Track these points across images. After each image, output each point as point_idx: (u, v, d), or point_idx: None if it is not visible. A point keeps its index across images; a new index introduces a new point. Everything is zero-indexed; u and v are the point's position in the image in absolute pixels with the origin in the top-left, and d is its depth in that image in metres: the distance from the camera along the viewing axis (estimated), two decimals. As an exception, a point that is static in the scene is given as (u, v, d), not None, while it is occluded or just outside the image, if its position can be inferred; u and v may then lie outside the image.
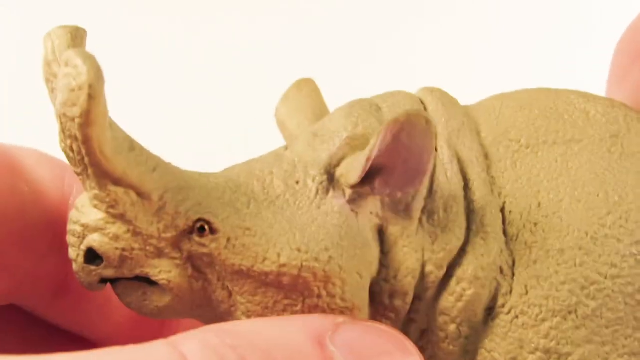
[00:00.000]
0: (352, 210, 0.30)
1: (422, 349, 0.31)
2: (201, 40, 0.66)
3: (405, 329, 0.31)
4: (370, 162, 0.29)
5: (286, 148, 0.32)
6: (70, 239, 0.29)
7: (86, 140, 0.27)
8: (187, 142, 0.33)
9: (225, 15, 0.66)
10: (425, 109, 0.33)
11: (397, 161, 0.30)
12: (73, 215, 0.29)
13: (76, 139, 0.27)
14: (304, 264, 0.28)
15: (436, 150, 0.32)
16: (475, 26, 0.63)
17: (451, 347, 0.31)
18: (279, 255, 0.28)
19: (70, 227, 0.29)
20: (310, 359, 0.26)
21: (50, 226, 0.33)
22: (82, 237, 0.29)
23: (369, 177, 0.30)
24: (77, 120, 0.26)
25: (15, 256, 0.32)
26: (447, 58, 0.35)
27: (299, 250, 0.29)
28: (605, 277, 0.30)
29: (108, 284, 0.30)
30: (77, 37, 0.29)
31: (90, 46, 0.29)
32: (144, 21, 0.67)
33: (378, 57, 0.36)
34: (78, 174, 0.29)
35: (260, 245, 0.29)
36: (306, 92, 0.36)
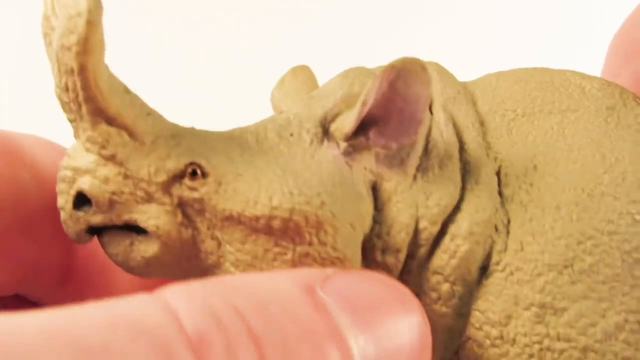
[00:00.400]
0: (346, 164, 0.30)
1: None
2: (200, 39, 0.66)
3: None
4: (366, 107, 0.29)
5: (282, 112, 0.32)
6: (59, 186, 0.29)
7: (82, 70, 0.27)
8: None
9: (224, 14, 0.67)
10: None
11: (392, 110, 0.29)
12: (63, 162, 0.29)
13: (72, 72, 0.27)
14: (296, 206, 0.28)
15: (431, 112, 0.32)
16: (475, 25, 0.64)
17: (444, 309, 0.30)
18: (270, 198, 0.28)
19: (60, 173, 0.29)
20: (302, 308, 0.25)
21: (52, 213, 0.32)
22: (72, 181, 0.29)
23: (363, 128, 0.30)
24: (74, 49, 0.26)
25: (18, 245, 0.32)
26: (446, 57, 0.35)
27: (291, 193, 0.28)
28: (602, 233, 0.29)
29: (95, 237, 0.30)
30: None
31: None
32: (142, 20, 0.67)
33: (378, 56, 0.36)
34: (71, 121, 0.29)
35: (252, 190, 0.28)
36: (302, 78, 0.37)
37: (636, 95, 0.33)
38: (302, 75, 0.37)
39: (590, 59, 0.43)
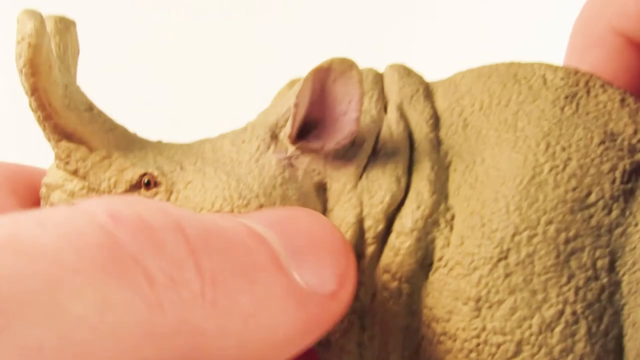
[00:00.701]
0: (293, 166, 0.31)
1: (373, 313, 0.31)
2: (196, 40, 0.67)
3: (355, 293, 0.31)
4: (299, 109, 0.30)
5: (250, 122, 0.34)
6: (41, 201, 0.32)
7: (33, 91, 0.29)
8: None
9: (220, 14, 0.68)
10: (382, 81, 0.33)
11: (326, 111, 0.30)
12: (43, 179, 0.32)
13: (29, 93, 0.29)
14: (235, 209, 0.29)
15: (386, 112, 0.32)
16: (469, 23, 0.62)
17: (395, 307, 0.30)
18: (213, 203, 0.29)
19: (40, 190, 0.32)
20: (236, 232, 0.26)
21: None
22: (47, 197, 0.31)
23: (306, 132, 0.31)
24: (23, 70, 0.29)
25: None
26: (444, 55, 0.35)
27: (231, 197, 0.29)
28: (539, 223, 0.28)
29: None
30: (61, 23, 0.32)
31: (87, 42, 0.32)
32: (139, 17, 0.69)
33: (374, 56, 0.37)
34: (47, 140, 0.31)
35: (198, 195, 0.30)
36: None
37: (606, 82, 0.32)
38: None
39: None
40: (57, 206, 0.24)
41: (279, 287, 0.26)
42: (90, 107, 0.31)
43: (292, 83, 0.38)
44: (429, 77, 0.34)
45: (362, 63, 0.35)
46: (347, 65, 0.29)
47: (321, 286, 0.27)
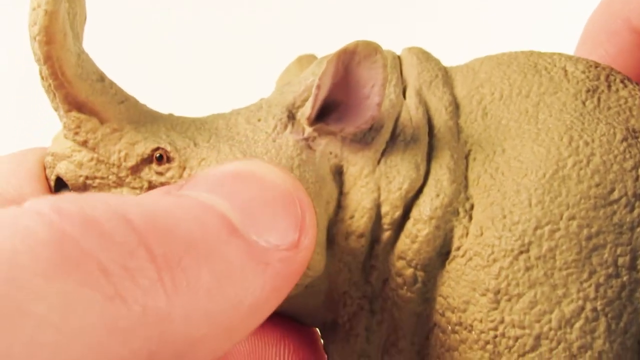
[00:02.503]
0: (310, 148, 0.30)
1: (384, 300, 0.31)
2: (199, 31, 0.66)
3: (366, 277, 0.31)
4: (321, 91, 0.29)
5: (263, 98, 0.33)
6: (46, 170, 0.31)
7: (47, 59, 0.28)
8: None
9: (223, 5, 0.67)
10: (400, 64, 0.33)
11: (349, 94, 0.30)
12: (48, 147, 0.31)
13: (41, 61, 0.28)
14: None
15: (405, 97, 0.32)
16: (476, 12, 0.62)
17: (409, 294, 0.30)
18: None
19: (45, 159, 0.31)
20: (181, 207, 0.25)
21: None
22: (53, 166, 0.30)
23: (327, 113, 0.30)
24: (37, 38, 0.28)
25: None
26: (443, 55, 0.35)
27: None
28: (561, 218, 0.28)
29: None
30: None
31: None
32: (136, 11, 0.68)
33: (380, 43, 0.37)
34: (54, 109, 0.30)
35: None
36: (306, 66, 0.37)
37: (627, 77, 0.32)
38: (307, 63, 0.37)
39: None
40: (3, 209, 0.23)
41: (238, 253, 0.25)
42: (102, 78, 0.30)
43: (299, 59, 0.38)
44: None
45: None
46: (372, 49, 0.29)
47: (281, 239, 0.26)
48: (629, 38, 0.34)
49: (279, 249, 0.25)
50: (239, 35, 0.67)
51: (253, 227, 0.25)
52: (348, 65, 0.29)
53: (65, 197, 0.23)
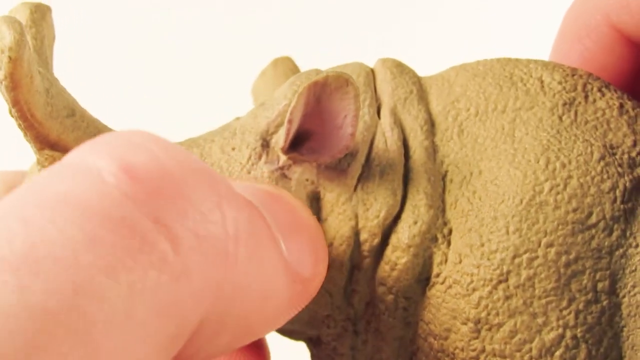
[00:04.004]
0: (286, 177, 0.30)
1: (367, 322, 0.31)
2: (187, 33, 0.66)
3: (349, 301, 0.31)
4: (292, 124, 0.29)
5: (238, 119, 0.32)
6: None
7: (15, 104, 0.28)
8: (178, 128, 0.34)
9: (212, 7, 0.67)
10: (374, 79, 0.32)
11: (321, 125, 0.29)
12: (25, 178, 0.30)
13: (9, 104, 0.28)
14: None
15: (379, 117, 0.31)
16: (473, 21, 0.62)
17: (391, 320, 0.30)
18: None
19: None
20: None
21: None
22: None
23: (300, 142, 0.30)
24: (3, 83, 0.27)
25: None
26: (444, 54, 0.34)
27: None
28: (539, 246, 0.28)
29: None
30: (37, 11, 0.30)
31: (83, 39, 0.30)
32: (133, 12, 0.67)
33: (369, 48, 0.36)
34: (28, 142, 0.30)
35: None
36: (282, 69, 0.36)
37: (605, 84, 0.32)
38: (283, 66, 0.37)
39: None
40: (56, 167, 0.21)
41: (276, 258, 0.25)
42: (73, 112, 0.29)
43: (275, 63, 0.37)
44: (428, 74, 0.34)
45: (363, 61, 0.34)
46: (342, 80, 0.28)
47: (303, 267, 0.26)
48: (608, 34, 0.34)
49: (300, 274, 0.26)
50: (236, 35, 0.66)
51: (285, 244, 0.26)
52: (319, 97, 0.29)
53: (135, 140, 0.22)
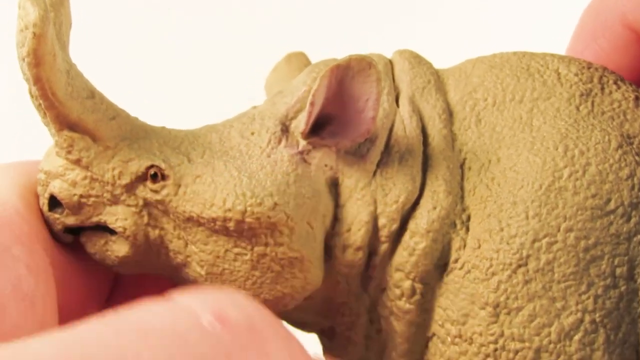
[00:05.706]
0: (305, 161, 0.30)
1: (382, 307, 0.31)
2: (193, 31, 0.66)
3: (364, 286, 0.31)
4: (314, 107, 0.29)
5: (255, 107, 0.33)
6: (38, 188, 0.30)
7: (37, 81, 0.28)
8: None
9: (217, 5, 0.67)
10: (392, 69, 0.33)
11: (342, 108, 0.29)
12: (40, 164, 0.30)
13: (30, 82, 0.28)
14: (248, 208, 0.28)
15: (397, 105, 0.32)
16: (472, 13, 0.62)
17: (407, 305, 0.30)
18: (224, 200, 0.29)
19: (37, 176, 0.30)
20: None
21: None
22: (46, 184, 0.30)
23: (321, 126, 0.30)
24: (26, 60, 0.27)
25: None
26: (444, 53, 0.34)
27: (244, 195, 0.29)
28: (558, 230, 0.28)
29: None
30: None
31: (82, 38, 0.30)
32: (134, 10, 0.68)
33: (377, 44, 0.36)
34: (45, 124, 0.30)
35: (208, 191, 0.29)
36: (295, 64, 0.37)
37: (620, 77, 0.32)
38: (296, 61, 0.37)
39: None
40: (153, 304, 0.22)
41: None
42: (92, 94, 0.29)
43: (289, 58, 0.37)
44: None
45: (367, 49, 0.34)
46: (365, 64, 0.28)
47: None
48: (624, 34, 0.34)
49: None
50: (235, 35, 0.67)
51: None
52: (342, 80, 0.29)
53: (228, 296, 0.22)
